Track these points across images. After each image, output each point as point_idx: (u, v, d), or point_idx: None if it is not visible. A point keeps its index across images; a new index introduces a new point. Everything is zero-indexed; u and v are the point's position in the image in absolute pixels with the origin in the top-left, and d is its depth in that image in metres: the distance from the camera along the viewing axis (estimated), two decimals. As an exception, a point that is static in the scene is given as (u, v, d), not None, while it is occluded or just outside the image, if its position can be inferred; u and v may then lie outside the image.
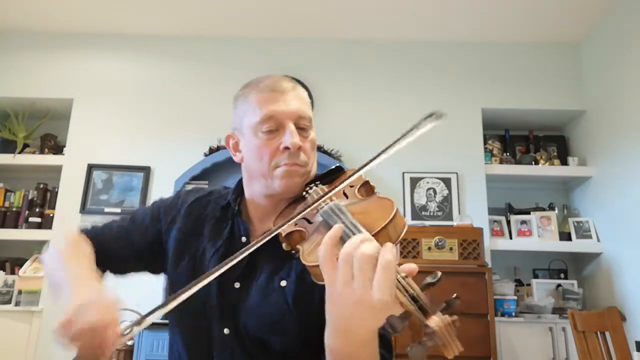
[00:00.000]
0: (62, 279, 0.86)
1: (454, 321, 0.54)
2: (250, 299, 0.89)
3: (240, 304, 0.89)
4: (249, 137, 0.94)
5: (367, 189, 0.86)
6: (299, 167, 0.91)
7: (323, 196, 0.78)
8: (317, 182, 0.93)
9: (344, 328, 0.65)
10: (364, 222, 0.69)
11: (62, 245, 0.97)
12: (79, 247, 0.97)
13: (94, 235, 1.03)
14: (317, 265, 0.68)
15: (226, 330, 0.88)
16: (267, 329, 0.85)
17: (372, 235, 0.65)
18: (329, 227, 0.72)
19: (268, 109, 0.91)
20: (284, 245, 0.81)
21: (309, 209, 0.77)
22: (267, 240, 0.92)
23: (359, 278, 0.59)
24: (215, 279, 0.90)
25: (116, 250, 1.02)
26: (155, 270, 1.05)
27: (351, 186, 0.86)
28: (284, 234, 0.83)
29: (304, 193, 0.92)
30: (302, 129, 0.93)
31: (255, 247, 0.74)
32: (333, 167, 0.95)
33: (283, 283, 0.88)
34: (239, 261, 0.92)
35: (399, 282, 0.58)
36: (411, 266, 0.61)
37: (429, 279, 0.58)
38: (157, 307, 0.72)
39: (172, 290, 0.99)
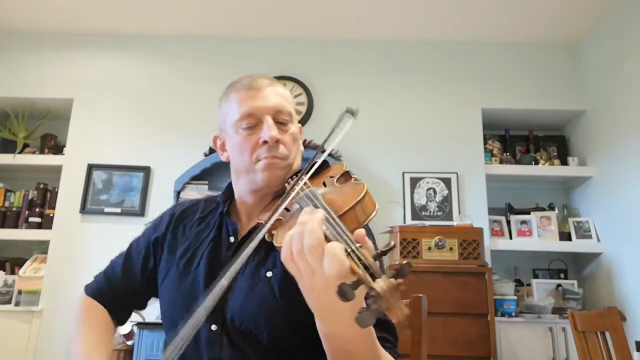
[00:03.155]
0: None
1: (399, 284, 0.55)
2: (236, 292, 0.89)
3: (227, 298, 0.89)
4: (232, 135, 0.97)
5: (345, 177, 0.89)
6: (279, 159, 0.93)
7: (296, 181, 0.82)
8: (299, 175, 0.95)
9: (328, 313, 0.68)
10: (334, 204, 0.72)
11: (76, 321, 1.02)
12: (90, 323, 1.01)
13: (100, 289, 1.07)
14: None
15: (214, 327, 0.88)
16: (253, 321, 0.86)
17: (339, 216, 0.68)
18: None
19: (247, 105, 0.94)
20: (266, 236, 0.82)
21: (288, 200, 0.80)
22: (251, 233, 0.94)
23: (315, 266, 0.62)
24: (204, 276, 0.93)
25: (128, 290, 1.05)
26: None
27: (331, 177, 0.89)
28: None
29: (287, 185, 0.93)
30: (281, 123, 0.96)
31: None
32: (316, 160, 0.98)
33: (269, 274, 0.89)
34: (224, 259, 0.94)
35: (354, 252, 0.60)
36: (359, 232, 0.64)
37: (382, 248, 0.61)
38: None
39: (162, 295, 0.99)
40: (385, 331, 0.83)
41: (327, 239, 0.63)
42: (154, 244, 1.05)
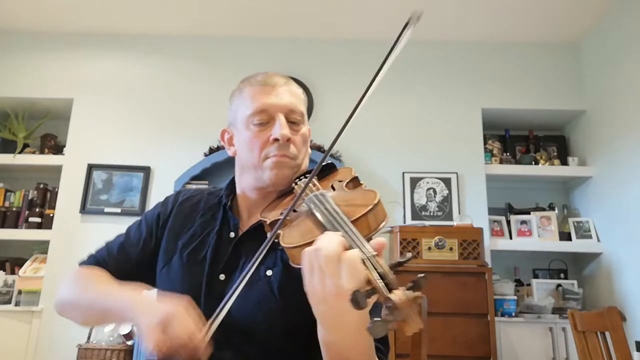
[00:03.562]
0: (109, 303, 0.87)
1: (416, 297, 0.54)
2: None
3: (225, 295, 0.88)
4: (242, 130, 0.96)
5: (354, 183, 0.88)
6: (289, 159, 0.93)
7: (307, 183, 0.80)
8: (306, 176, 0.94)
9: (333, 321, 0.67)
10: (346, 210, 0.70)
11: (73, 279, 0.99)
12: (99, 275, 0.98)
13: (96, 263, 1.04)
14: (294, 247, 0.69)
15: None
16: (250, 319, 0.85)
17: (352, 222, 0.67)
18: (312, 213, 0.74)
19: (260, 102, 0.94)
20: (268, 234, 0.82)
21: (295, 200, 0.78)
22: (252, 230, 0.94)
23: (328, 275, 0.60)
24: (208, 269, 0.92)
25: (123, 271, 1.02)
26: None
27: (340, 180, 0.88)
28: (268, 222, 0.84)
29: (293, 185, 0.93)
30: (293, 123, 0.96)
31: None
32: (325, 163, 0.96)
33: (269, 272, 0.89)
34: (223, 253, 0.93)
35: (369, 260, 0.59)
36: (380, 241, 0.63)
37: (398, 259, 0.60)
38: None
39: (163, 283, 0.97)
40: (378, 340, 0.82)
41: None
42: (156, 224, 1.03)
